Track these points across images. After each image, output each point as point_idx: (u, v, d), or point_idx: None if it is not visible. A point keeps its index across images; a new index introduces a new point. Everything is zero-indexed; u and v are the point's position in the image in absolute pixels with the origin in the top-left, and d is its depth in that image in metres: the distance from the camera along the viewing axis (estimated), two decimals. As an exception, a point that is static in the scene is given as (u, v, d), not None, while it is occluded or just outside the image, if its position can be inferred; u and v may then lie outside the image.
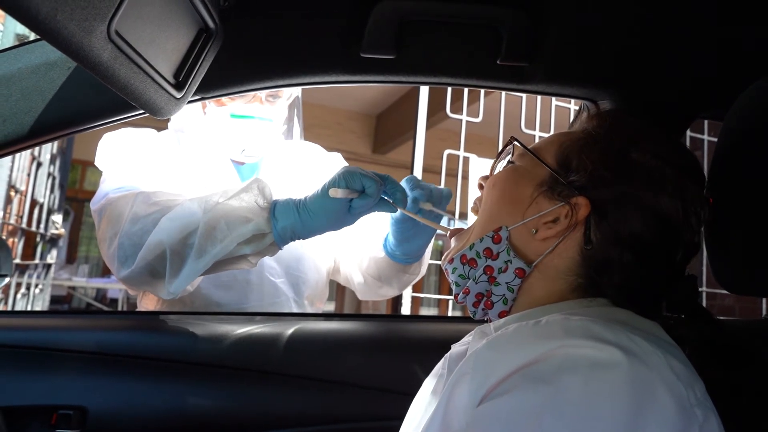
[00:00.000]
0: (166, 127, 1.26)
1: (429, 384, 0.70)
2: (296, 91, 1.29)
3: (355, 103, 6.94)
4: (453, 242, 0.72)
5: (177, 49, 0.62)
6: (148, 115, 0.81)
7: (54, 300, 5.43)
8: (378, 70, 0.83)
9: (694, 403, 0.47)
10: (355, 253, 1.20)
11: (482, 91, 2.78)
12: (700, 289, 3.21)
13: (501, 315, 0.64)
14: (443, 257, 0.71)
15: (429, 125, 2.79)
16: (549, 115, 2.80)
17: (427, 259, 1.14)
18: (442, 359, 0.72)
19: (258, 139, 1.16)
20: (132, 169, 1.07)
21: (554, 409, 0.45)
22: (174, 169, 1.13)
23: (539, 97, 2.80)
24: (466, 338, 0.72)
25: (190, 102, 0.81)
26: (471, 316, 0.67)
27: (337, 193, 0.81)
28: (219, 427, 0.92)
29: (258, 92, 1.12)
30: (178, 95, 0.65)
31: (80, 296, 5.95)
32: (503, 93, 2.77)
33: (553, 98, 2.81)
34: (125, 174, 1.05)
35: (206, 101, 1.13)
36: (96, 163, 1.11)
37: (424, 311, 7.80)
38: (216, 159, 1.18)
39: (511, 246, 0.63)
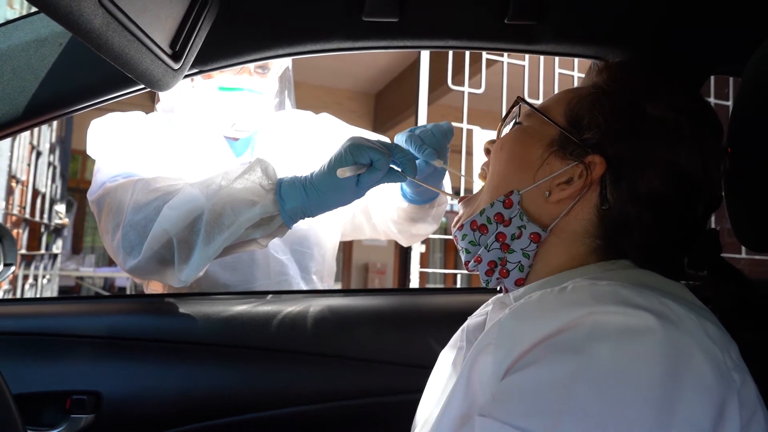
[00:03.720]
0: (154, 109, 1.23)
1: (447, 356, 0.69)
2: (286, 63, 1.25)
3: (353, 82, 6.87)
4: (461, 209, 0.70)
5: (172, 16, 0.59)
6: (141, 94, 0.79)
7: (62, 290, 5.47)
8: (381, 34, 0.80)
9: (731, 367, 0.45)
10: (383, 206, 1.18)
11: (483, 62, 2.73)
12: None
13: (517, 282, 0.62)
14: (453, 223, 0.69)
15: (430, 101, 2.75)
16: (552, 84, 2.75)
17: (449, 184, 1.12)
18: (459, 330, 0.70)
19: (248, 112, 1.13)
20: (125, 155, 1.04)
21: (586, 378, 0.43)
22: (167, 151, 1.11)
23: (542, 67, 2.75)
24: (483, 309, 0.70)
25: (187, 75, 0.79)
26: (484, 284, 0.65)
27: (345, 173, 0.78)
28: (233, 406, 0.92)
29: (247, 63, 1.08)
30: (176, 66, 0.62)
31: (89, 286, 5.99)
32: (505, 64, 2.72)
33: (557, 67, 2.76)
34: (119, 161, 1.02)
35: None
36: (88, 152, 1.09)
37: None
38: (209, 137, 1.16)
39: (523, 210, 0.61)
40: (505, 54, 2.64)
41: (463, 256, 0.67)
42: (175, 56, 0.62)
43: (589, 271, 0.58)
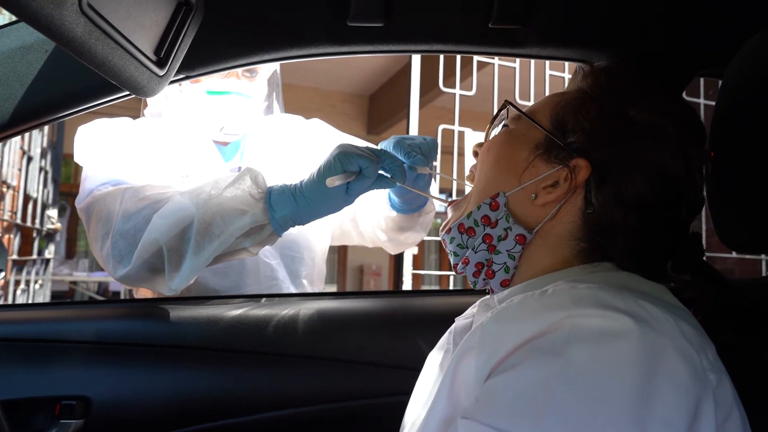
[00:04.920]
0: (141, 115, 1.23)
1: (435, 358, 0.70)
2: (274, 66, 1.25)
3: (347, 84, 6.88)
4: (450, 212, 0.71)
5: (156, 23, 0.60)
6: (128, 99, 0.79)
7: (56, 295, 5.43)
8: (366, 39, 0.81)
9: (707, 368, 0.46)
10: (371, 215, 1.18)
11: (475, 64, 2.75)
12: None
13: (503, 284, 0.63)
14: (441, 227, 0.70)
15: (423, 103, 2.76)
16: (543, 85, 2.77)
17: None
18: (447, 332, 0.71)
19: (236, 115, 1.13)
20: (113, 161, 1.04)
21: (565, 380, 0.44)
22: (156, 157, 1.11)
23: (532, 69, 2.76)
24: (470, 311, 0.71)
25: (174, 81, 0.79)
26: (471, 286, 0.66)
27: (334, 182, 0.79)
28: (223, 409, 0.92)
29: (234, 69, 1.08)
30: (161, 72, 0.63)
31: (82, 291, 5.96)
32: (496, 66, 2.73)
33: (547, 68, 2.77)
34: (107, 168, 1.02)
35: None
36: (75, 159, 1.08)
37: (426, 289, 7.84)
38: (197, 142, 1.16)
39: (510, 212, 0.62)
40: (496, 56, 2.65)
41: (451, 259, 0.68)
42: (160, 63, 0.62)
43: (571, 274, 0.58)
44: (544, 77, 2.75)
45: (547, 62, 2.73)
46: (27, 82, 0.72)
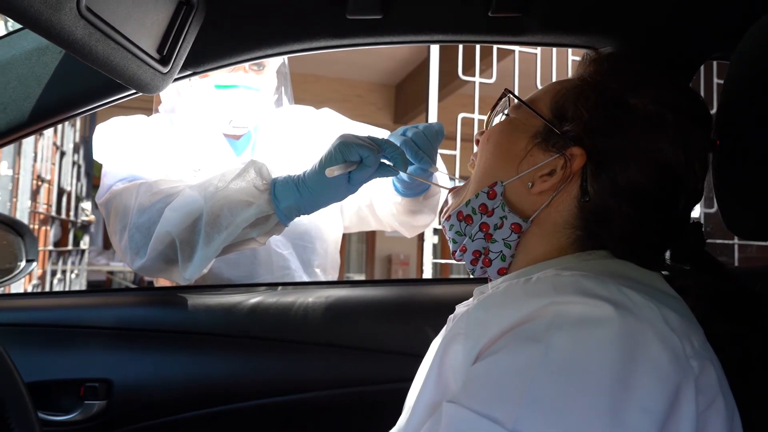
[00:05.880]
0: (155, 111, 1.26)
1: (436, 344, 0.71)
2: (282, 58, 1.27)
3: (373, 74, 6.86)
4: (451, 199, 0.72)
5: (157, 23, 0.62)
6: (140, 95, 0.82)
7: (93, 285, 5.63)
8: (366, 31, 0.82)
9: (690, 355, 0.46)
10: (383, 201, 1.19)
11: (495, 52, 2.71)
12: (732, 242, 3.12)
13: (500, 272, 0.63)
14: (442, 214, 0.71)
15: (447, 92, 2.76)
16: (566, 72, 2.71)
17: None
18: (448, 320, 0.72)
19: (244, 109, 1.15)
20: (130, 158, 1.08)
21: (544, 366, 0.44)
22: (170, 153, 1.14)
23: (554, 54, 2.72)
24: (472, 298, 0.72)
25: (181, 77, 0.82)
26: (470, 274, 0.67)
27: (333, 172, 0.80)
28: (237, 393, 0.95)
29: (239, 63, 1.10)
30: (164, 70, 0.65)
31: (119, 281, 6.16)
32: (516, 53, 2.70)
33: (570, 53, 2.72)
34: (124, 164, 1.07)
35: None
36: (94, 157, 1.13)
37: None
38: (209, 136, 1.19)
39: (506, 201, 0.62)
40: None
41: (450, 246, 0.68)
42: (163, 60, 0.65)
43: (565, 262, 0.58)
44: (567, 63, 2.70)
45: (570, 48, 2.68)
46: (44, 82, 0.76)
